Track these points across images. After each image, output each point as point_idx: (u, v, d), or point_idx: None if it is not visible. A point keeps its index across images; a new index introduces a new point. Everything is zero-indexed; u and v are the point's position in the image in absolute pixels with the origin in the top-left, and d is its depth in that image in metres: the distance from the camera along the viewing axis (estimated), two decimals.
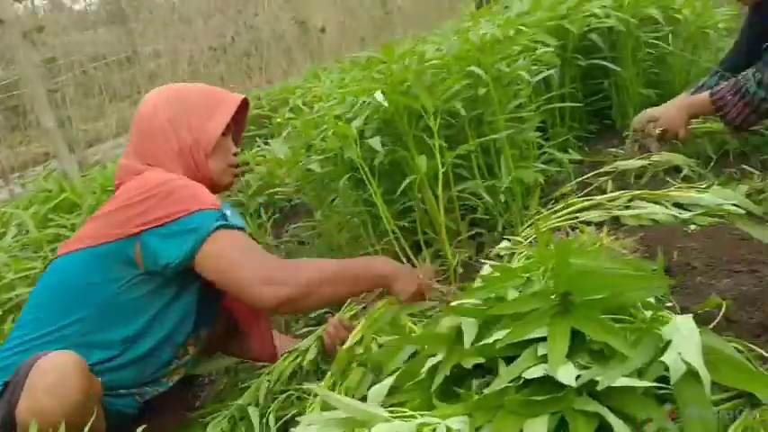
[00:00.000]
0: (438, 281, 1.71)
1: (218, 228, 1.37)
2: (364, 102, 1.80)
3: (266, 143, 2.90)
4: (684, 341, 0.90)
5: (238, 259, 1.37)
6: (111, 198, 1.52)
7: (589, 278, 1.05)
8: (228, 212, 1.43)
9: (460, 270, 1.75)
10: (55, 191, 2.78)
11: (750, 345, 1.04)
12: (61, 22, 6.45)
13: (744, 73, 1.97)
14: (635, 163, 2.13)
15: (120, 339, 1.42)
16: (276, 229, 2.86)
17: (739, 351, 0.98)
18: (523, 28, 2.12)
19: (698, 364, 0.86)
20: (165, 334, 1.48)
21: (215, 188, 1.59)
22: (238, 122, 1.67)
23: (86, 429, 0.92)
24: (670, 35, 2.66)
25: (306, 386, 1.38)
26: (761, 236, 1.50)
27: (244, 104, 1.67)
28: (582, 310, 1.00)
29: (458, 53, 1.85)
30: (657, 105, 2.43)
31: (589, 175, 2.15)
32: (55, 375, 1.18)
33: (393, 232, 1.74)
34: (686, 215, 1.67)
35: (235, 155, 1.64)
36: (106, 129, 6.72)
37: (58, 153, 2.92)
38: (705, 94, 2.04)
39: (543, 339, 0.98)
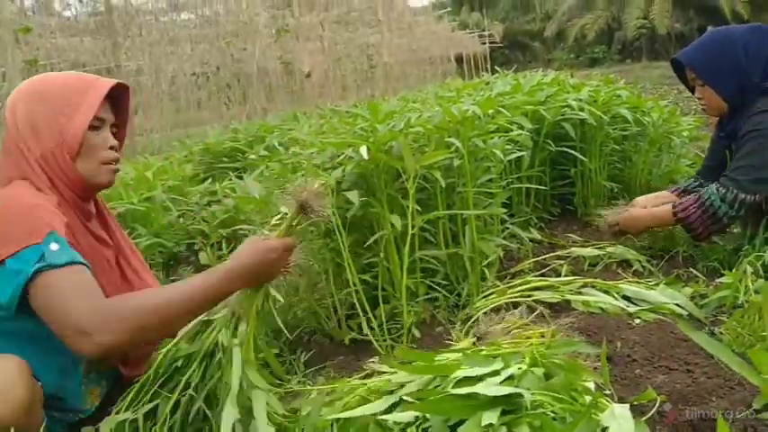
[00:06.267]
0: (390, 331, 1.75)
1: (36, 271, 1.19)
2: (344, 155, 1.86)
3: (239, 177, 2.93)
4: (620, 430, 0.96)
5: (55, 308, 1.19)
6: None
7: None
8: (54, 246, 1.23)
9: (415, 330, 1.80)
10: None
11: None
12: (50, 26, 6.43)
13: (706, 189, 2.08)
14: (590, 251, 2.24)
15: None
16: None
17: None
18: (503, 110, 2.23)
19: None
20: (56, 359, 1.32)
21: (91, 190, 1.45)
22: (120, 111, 1.49)
23: None
24: (637, 135, 2.83)
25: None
26: (698, 339, 1.58)
27: (122, 90, 1.48)
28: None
29: (440, 123, 1.94)
30: (617, 199, 2.57)
31: (546, 256, 2.25)
32: (1, 379, 1.14)
33: (354, 285, 1.78)
34: (632, 309, 1.76)
35: (111, 148, 1.44)
36: None
37: None
38: (668, 208, 2.15)
39: None
